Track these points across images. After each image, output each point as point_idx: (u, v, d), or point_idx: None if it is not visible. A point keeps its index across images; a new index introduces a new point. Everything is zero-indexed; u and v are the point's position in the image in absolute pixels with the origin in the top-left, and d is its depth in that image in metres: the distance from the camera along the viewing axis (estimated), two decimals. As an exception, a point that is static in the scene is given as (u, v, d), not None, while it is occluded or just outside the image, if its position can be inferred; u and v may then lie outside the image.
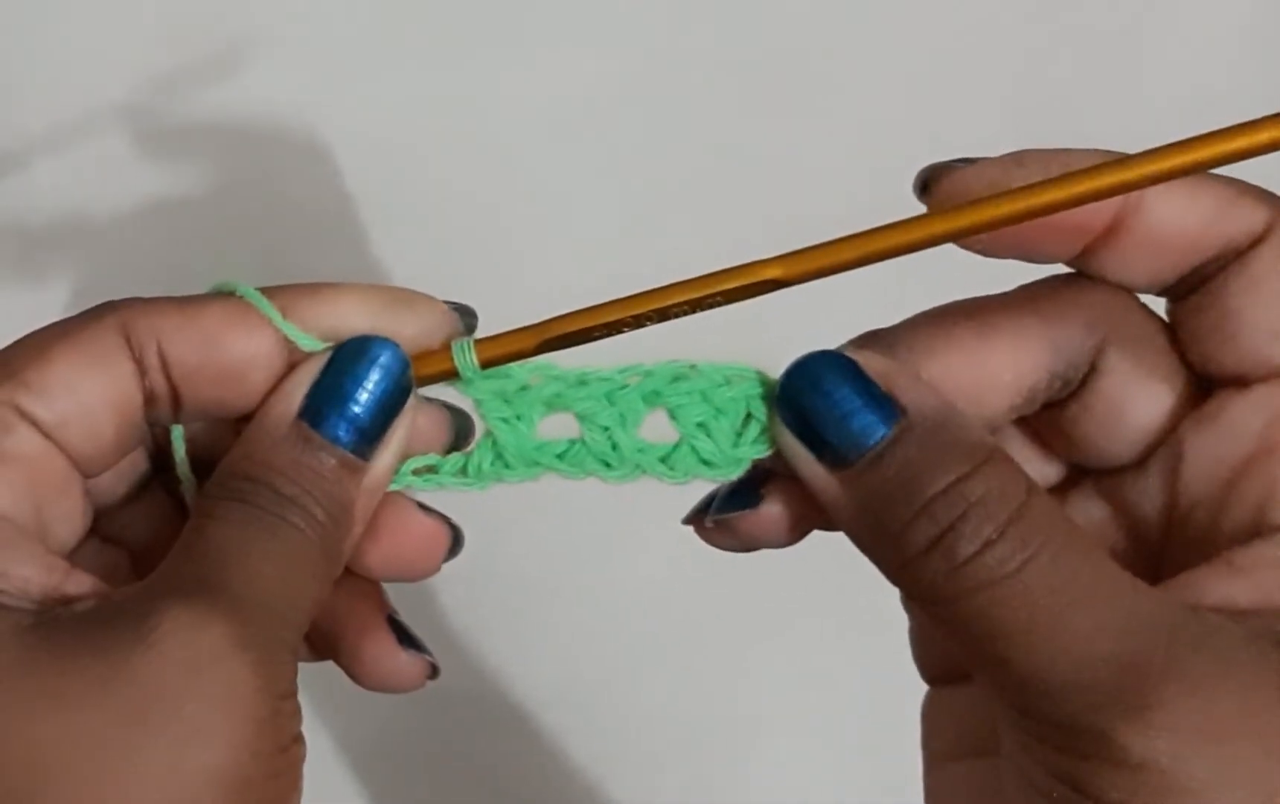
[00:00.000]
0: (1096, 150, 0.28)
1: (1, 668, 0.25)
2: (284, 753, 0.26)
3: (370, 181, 0.54)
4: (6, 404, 0.28)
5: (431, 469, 0.31)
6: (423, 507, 0.31)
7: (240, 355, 0.29)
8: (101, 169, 0.53)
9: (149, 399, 0.29)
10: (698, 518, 0.31)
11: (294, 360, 0.29)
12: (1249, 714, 0.25)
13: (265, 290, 0.29)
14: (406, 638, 0.31)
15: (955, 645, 0.28)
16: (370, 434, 0.29)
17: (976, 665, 0.27)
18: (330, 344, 0.29)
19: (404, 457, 0.30)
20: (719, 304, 0.29)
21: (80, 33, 0.52)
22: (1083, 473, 0.32)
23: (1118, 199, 0.28)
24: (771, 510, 0.30)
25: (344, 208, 0.54)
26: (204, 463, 0.30)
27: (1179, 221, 0.29)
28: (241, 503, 0.27)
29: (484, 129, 0.54)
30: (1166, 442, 0.30)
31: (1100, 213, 0.28)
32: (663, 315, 0.29)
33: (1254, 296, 0.28)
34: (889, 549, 0.27)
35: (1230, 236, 0.29)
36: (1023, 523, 0.26)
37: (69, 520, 0.29)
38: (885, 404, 0.27)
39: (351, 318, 0.29)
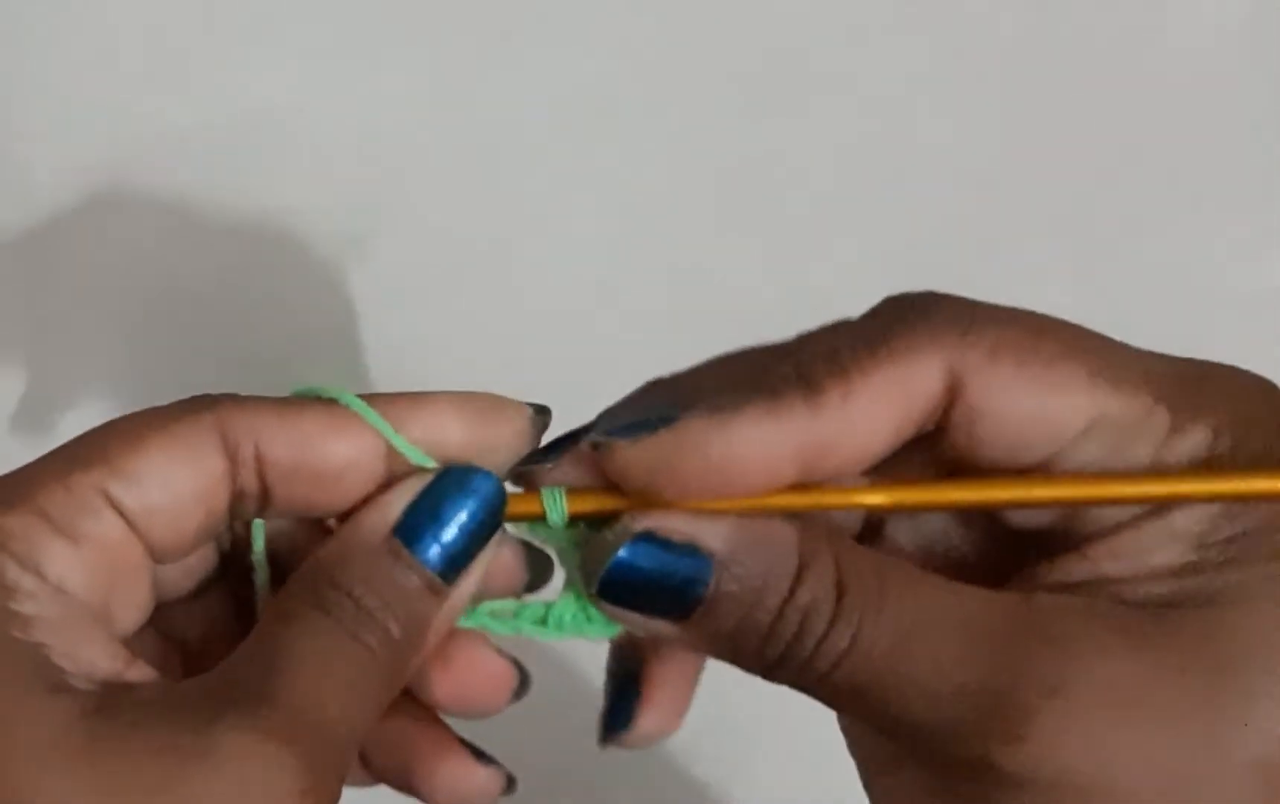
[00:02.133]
0: None
1: (63, 753, 0.25)
2: None
3: (371, 181, 0.54)
4: (96, 489, 0.28)
5: (510, 614, 0.31)
6: (495, 647, 0.31)
7: (341, 460, 0.29)
8: (101, 169, 0.53)
9: (237, 496, 0.29)
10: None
11: (392, 468, 0.29)
12: (1098, 684, 0.26)
13: (363, 398, 0.29)
14: (481, 754, 0.32)
15: (844, 712, 0.29)
16: (458, 561, 0.29)
17: (871, 725, 0.28)
18: (438, 465, 0.29)
19: (482, 591, 0.30)
20: (816, 508, 0.29)
21: (82, 33, 0.52)
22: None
23: None
24: (646, 724, 0.31)
25: (344, 206, 0.54)
26: (274, 559, 0.31)
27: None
28: (321, 612, 0.28)
29: (484, 129, 0.54)
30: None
31: None
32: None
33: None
34: (745, 667, 0.29)
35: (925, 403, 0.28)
36: (845, 601, 0.27)
37: (134, 608, 0.29)
38: (694, 556, 0.28)
39: (450, 429, 0.30)
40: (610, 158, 0.55)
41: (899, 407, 0.28)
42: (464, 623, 0.31)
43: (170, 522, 0.28)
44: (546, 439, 0.31)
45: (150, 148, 0.53)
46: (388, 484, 0.29)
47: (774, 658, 0.28)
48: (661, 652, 0.31)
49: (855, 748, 0.32)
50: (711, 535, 0.28)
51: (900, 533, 0.31)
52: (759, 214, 0.55)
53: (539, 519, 0.29)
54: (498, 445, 0.30)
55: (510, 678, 0.31)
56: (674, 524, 0.28)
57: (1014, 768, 0.26)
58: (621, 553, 0.28)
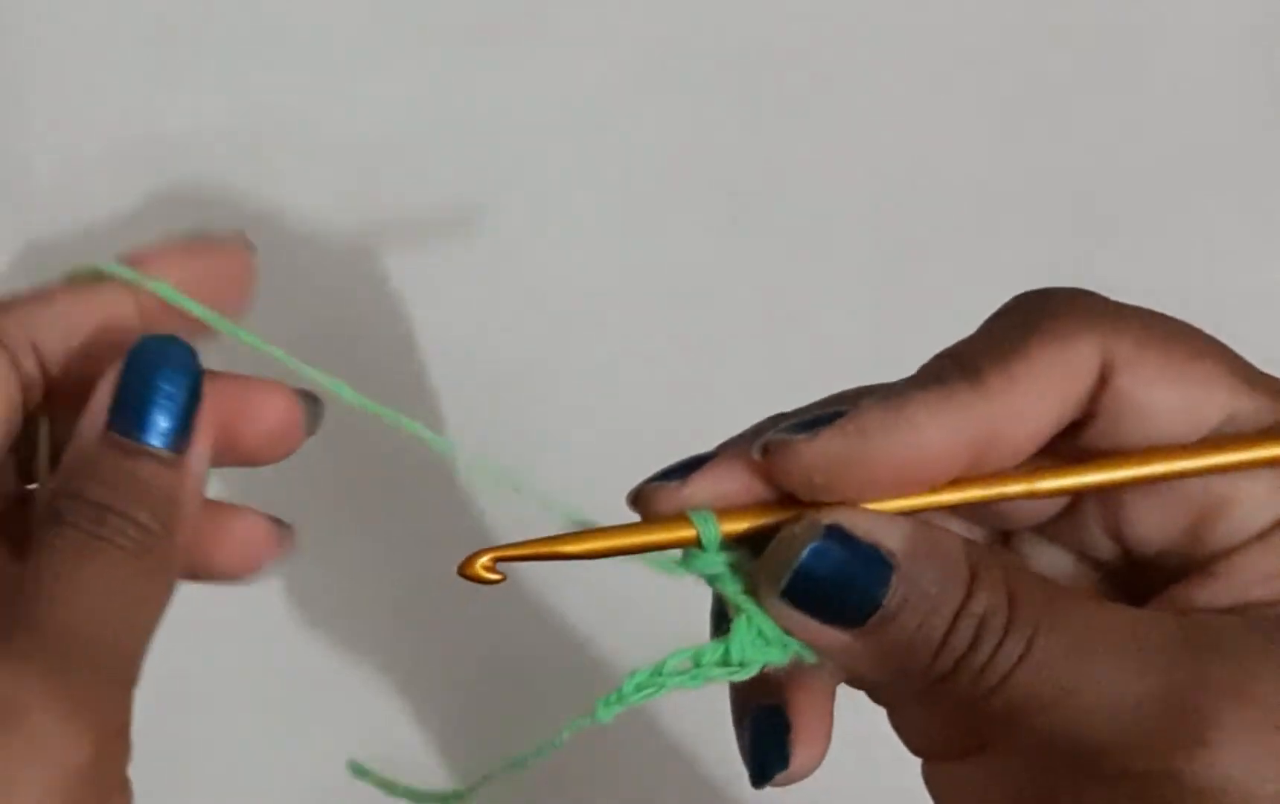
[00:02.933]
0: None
1: None
2: (106, 800, 0.26)
3: (373, 181, 0.54)
4: None
5: (692, 665, 0.29)
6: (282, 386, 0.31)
7: (96, 325, 0.29)
8: (101, 169, 0.53)
9: (27, 386, 0.29)
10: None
11: (149, 327, 0.30)
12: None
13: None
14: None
15: (999, 735, 0.28)
16: (180, 427, 0.28)
17: (1030, 749, 0.28)
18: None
19: (213, 443, 0.30)
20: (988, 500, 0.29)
21: (83, 33, 0.52)
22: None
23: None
24: (802, 758, 0.30)
25: (342, 206, 0.54)
26: None
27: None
28: (66, 525, 0.27)
29: (486, 130, 0.54)
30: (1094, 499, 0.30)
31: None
32: None
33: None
34: (914, 681, 0.28)
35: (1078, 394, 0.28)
36: (1018, 611, 0.27)
37: None
38: (876, 558, 0.27)
39: (169, 272, 0.30)
40: (611, 158, 0.55)
41: (1060, 389, 0.28)
42: (652, 695, 0.29)
43: None
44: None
45: (151, 148, 0.53)
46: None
47: (945, 669, 0.27)
48: (803, 682, 0.30)
49: (946, 785, 0.31)
50: (892, 536, 0.27)
51: None
52: (760, 214, 0.55)
53: (689, 544, 0.28)
54: (215, 277, 0.30)
55: (297, 411, 0.31)
56: (861, 522, 0.27)
57: (1199, 778, 0.25)
58: (812, 548, 0.27)
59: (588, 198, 0.55)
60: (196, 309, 0.30)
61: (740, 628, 0.29)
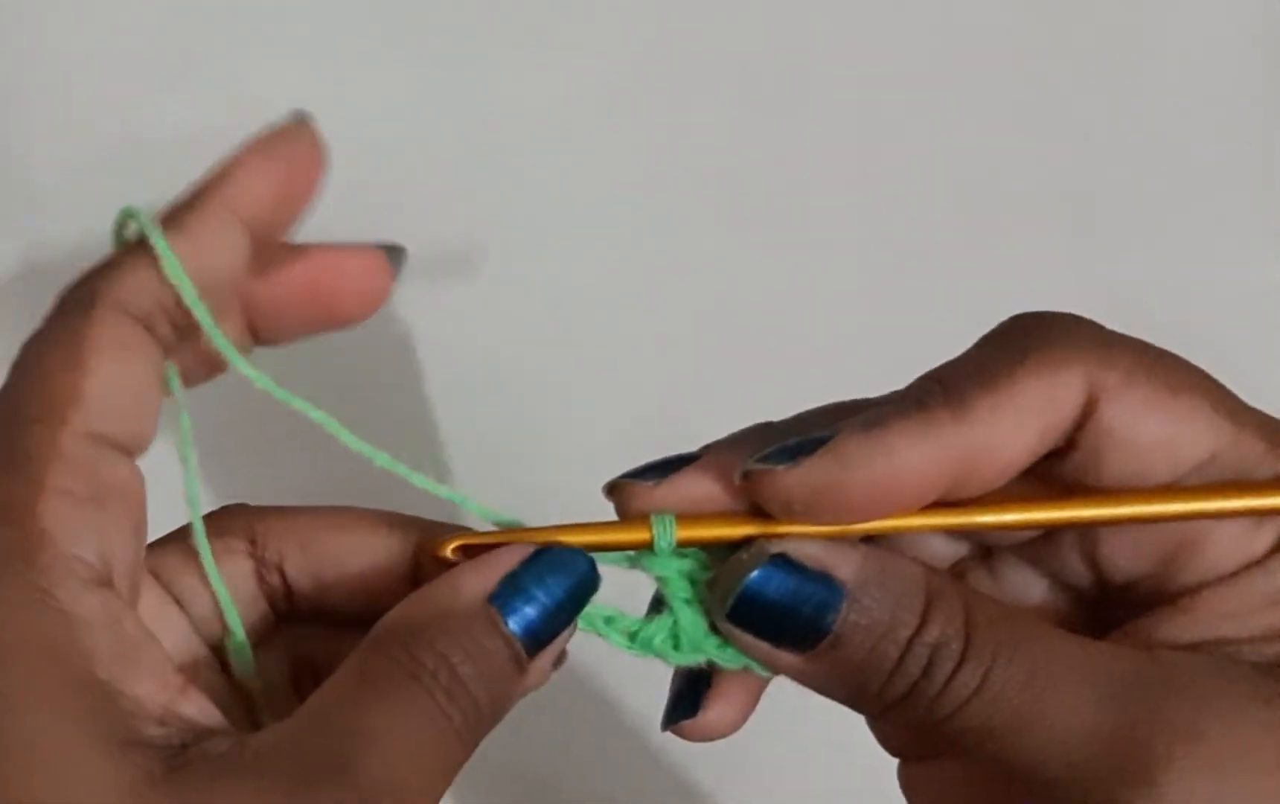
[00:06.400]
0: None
1: None
2: None
3: (373, 181, 0.54)
4: (86, 436, 0.27)
5: (602, 620, 0.31)
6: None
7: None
8: (101, 169, 0.53)
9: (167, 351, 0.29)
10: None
11: None
12: (1236, 739, 0.26)
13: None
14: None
15: (955, 754, 0.29)
16: (542, 637, 0.28)
17: (989, 770, 0.28)
18: (535, 545, 0.29)
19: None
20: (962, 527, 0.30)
21: (84, 33, 0.52)
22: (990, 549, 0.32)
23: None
24: (712, 716, 0.31)
25: (341, 206, 0.54)
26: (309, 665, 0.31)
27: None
28: (414, 679, 0.26)
29: (487, 130, 0.54)
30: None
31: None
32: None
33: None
34: (865, 705, 0.29)
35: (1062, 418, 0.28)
36: (974, 641, 0.27)
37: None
38: (825, 585, 0.28)
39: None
40: (611, 158, 0.55)
41: (1042, 419, 0.28)
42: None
43: (134, 416, 0.28)
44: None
45: (152, 148, 0.53)
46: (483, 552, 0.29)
47: (898, 695, 0.28)
48: None
49: (918, 785, 0.32)
50: (843, 565, 0.28)
51: (981, 588, 0.31)
52: (761, 216, 0.55)
53: (643, 547, 0.30)
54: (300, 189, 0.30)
55: (385, 265, 0.32)
56: (809, 550, 0.28)
57: None
58: (755, 574, 0.28)
59: (588, 199, 0.55)
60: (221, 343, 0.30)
61: (659, 623, 0.30)
